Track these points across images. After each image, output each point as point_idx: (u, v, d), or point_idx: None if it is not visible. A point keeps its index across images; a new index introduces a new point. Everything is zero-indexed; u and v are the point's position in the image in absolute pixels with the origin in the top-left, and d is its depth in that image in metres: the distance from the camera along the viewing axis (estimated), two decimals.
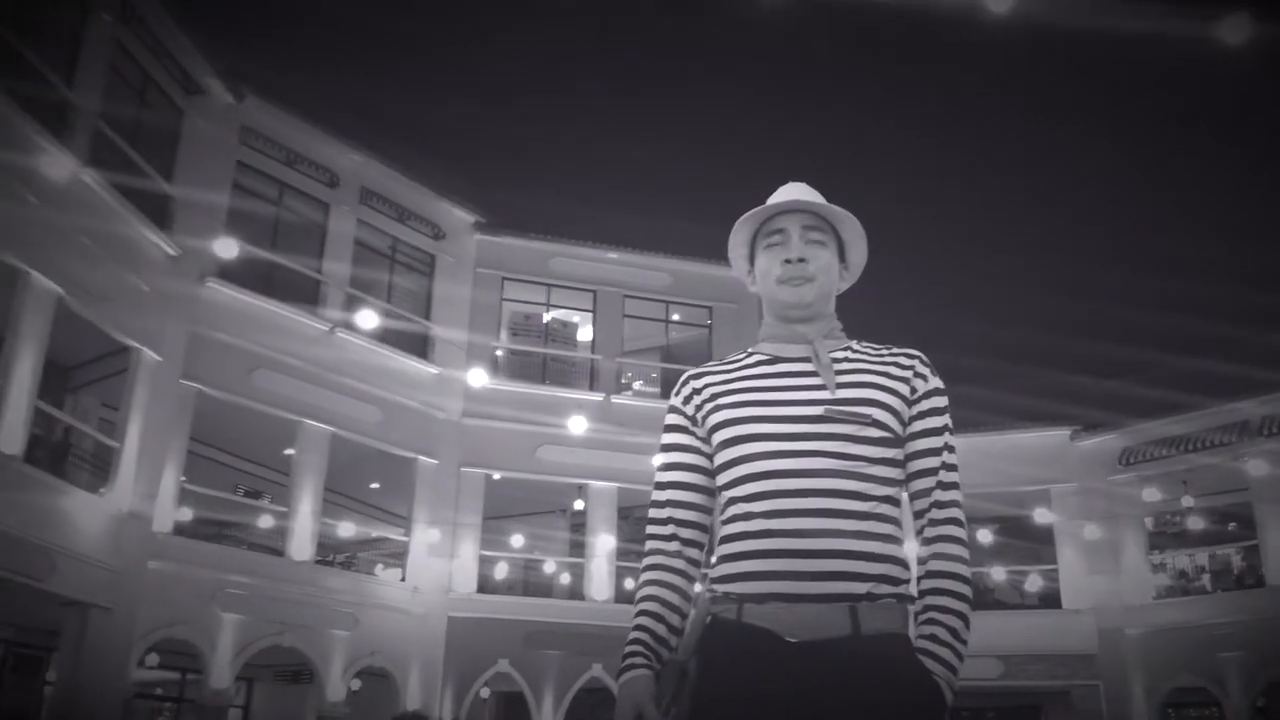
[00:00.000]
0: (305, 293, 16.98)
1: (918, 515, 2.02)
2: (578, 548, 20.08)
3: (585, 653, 17.75)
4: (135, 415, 13.80)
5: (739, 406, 2.00)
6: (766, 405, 1.98)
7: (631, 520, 19.89)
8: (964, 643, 1.93)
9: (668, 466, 2.13)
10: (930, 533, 2.00)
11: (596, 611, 18.19)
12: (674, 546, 2.09)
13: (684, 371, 2.21)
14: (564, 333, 20.60)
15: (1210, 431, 18.47)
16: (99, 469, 14.00)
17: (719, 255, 20.78)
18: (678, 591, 2.07)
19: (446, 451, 18.20)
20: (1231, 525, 19.57)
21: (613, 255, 20.57)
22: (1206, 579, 19.56)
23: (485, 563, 18.45)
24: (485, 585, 18.29)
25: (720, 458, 2.01)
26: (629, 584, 18.57)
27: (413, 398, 17.82)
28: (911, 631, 1.93)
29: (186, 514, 15.16)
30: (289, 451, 16.64)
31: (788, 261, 2.08)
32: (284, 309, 16.27)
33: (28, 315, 12.01)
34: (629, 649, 2.00)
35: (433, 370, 18.26)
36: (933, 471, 2.01)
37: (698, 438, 2.10)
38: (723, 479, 2.01)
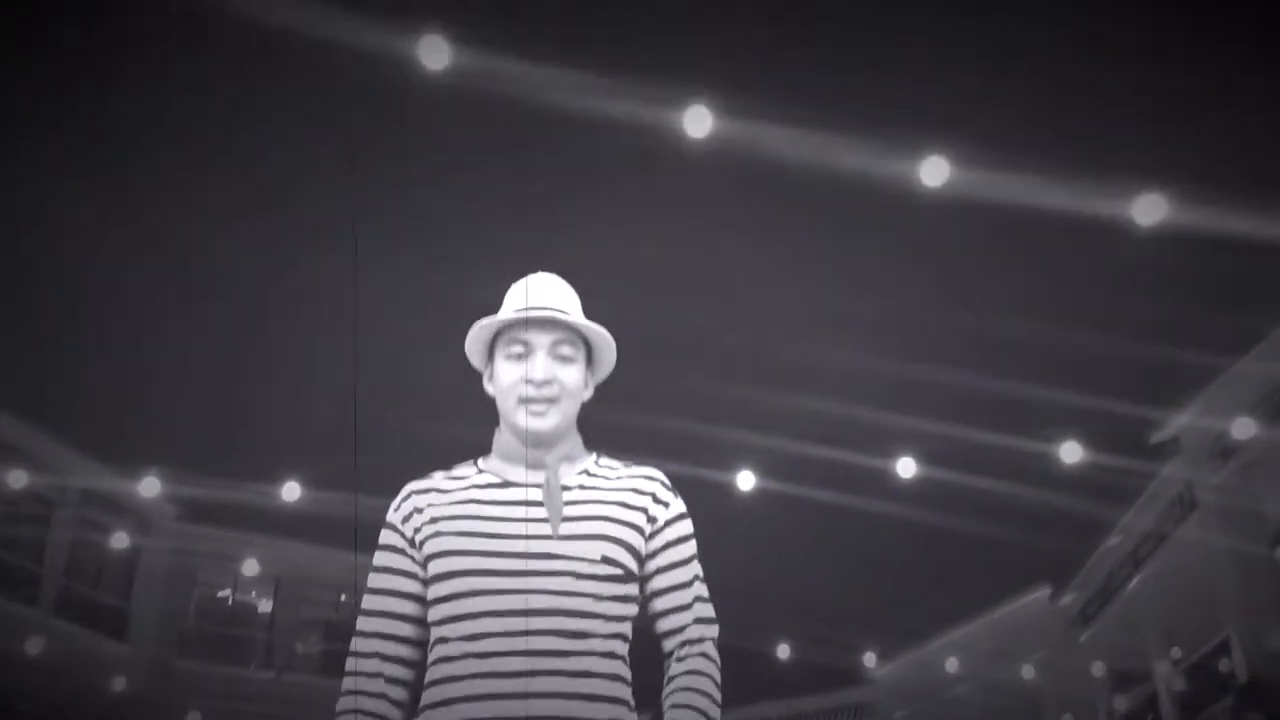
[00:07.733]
0: None
1: (667, 655, 1.87)
2: None
3: None
4: None
5: (460, 537, 1.79)
6: (489, 539, 1.78)
7: None
8: None
9: (377, 591, 1.86)
10: (678, 669, 1.84)
11: None
12: (378, 686, 1.80)
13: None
14: None
15: None
16: None
17: None
18: None
19: None
20: None
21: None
22: None
23: None
24: None
25: (435, 590, 1.78)
26: None
27: None
28: None
29: None
30: None
31: (530, 382, 1.86)
32: None
33: None
34: None
35: None
36: (685, 607, 1.87)
37: (415, 562, 1.84)
38: (435, 614, 1.78)
